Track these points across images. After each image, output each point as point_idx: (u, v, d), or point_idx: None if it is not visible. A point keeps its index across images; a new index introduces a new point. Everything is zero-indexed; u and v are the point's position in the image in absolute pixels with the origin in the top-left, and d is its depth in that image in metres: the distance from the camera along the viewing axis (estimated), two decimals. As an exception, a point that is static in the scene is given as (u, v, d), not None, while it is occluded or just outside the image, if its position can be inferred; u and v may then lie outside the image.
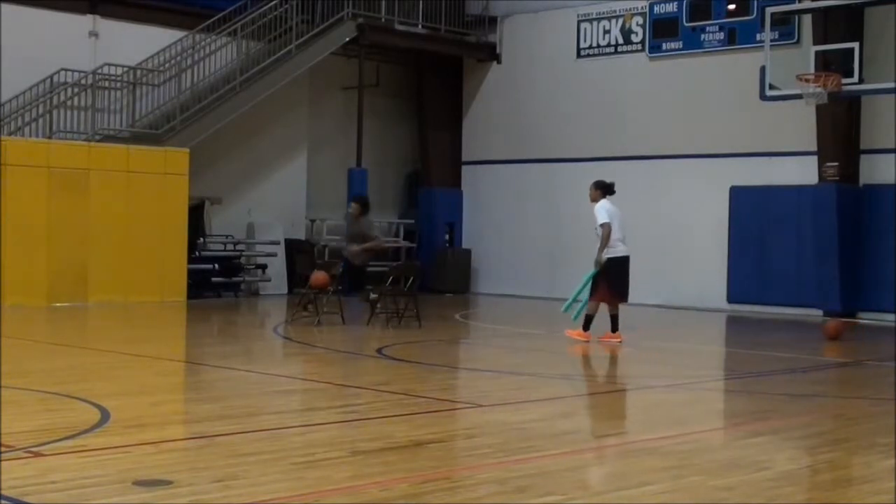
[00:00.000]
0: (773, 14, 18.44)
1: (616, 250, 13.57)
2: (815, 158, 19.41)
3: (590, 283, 13.68)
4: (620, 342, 13.68)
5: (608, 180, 13.94)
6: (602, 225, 13.44)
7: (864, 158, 19.35)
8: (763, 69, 18.29)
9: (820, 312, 19.05)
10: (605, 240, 13.45)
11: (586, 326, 13.71)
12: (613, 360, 12.98)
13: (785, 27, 19.54)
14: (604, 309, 13.85)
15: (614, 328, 13.80)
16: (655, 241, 21.41)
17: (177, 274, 19.52)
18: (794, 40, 19.67)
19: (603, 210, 13.54)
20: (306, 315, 15.87)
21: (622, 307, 14.06)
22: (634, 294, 20.60)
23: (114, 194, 18.76)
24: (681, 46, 21.51)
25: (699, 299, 20.78)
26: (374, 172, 23.16)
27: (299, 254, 20.83)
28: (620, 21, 22.45)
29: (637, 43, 22.20)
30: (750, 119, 20.23)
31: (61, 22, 19.97)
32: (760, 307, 20.10)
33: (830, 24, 18.77)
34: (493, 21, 24.23)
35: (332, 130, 23.98)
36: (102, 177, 18.65)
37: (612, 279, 13.63)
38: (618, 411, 9.27)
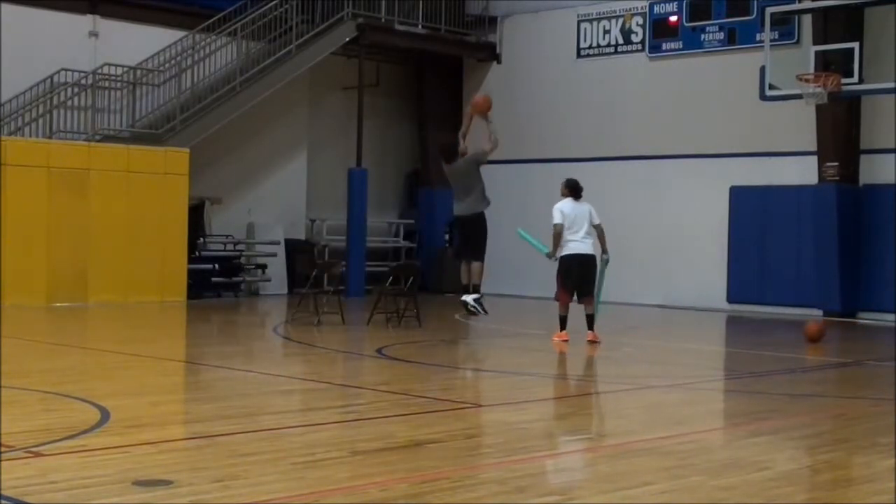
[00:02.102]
0: (773, 14, 18.43)
1: (566, 249, 13.58)
2: (815, 158, 19.41)
3: (602, 280, 13.71)
4: (593, 342, 13.57)
5: (580, 183, 13.95)
6: (554, 226, 13.60)
7: (864, 158, 19.35)
8: (763, 69, 18.28)
9: (820, 312, 19.05)
10: (556, 239, 13.54)
11: (562, 326, 13.71)
12: (613, 360, 12.97)
13: (785, 27, 19.54)
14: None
15: (589, 326, 13.76)
16: (655, 241, 21.43)
17: (177, 274, 19.52)
18: (794, 40, 19.67)
19: (557, 211, 13.62)
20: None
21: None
22: (635, 294, 20.90)
23: (114, 194, 18.77)
24: (681, 46, 21.52)
25: (699, 299, 20.78)
26: (374, 172, 23.15)
27: (299, 254, 20.83)
28: (620, 21, 22.46)
29: (637, 43, 22.21)
30: (750, 119, 20.23)
31: (61, 22, 19.97)
32: (760, 307, 20.10)
33: (830, 24, 18.77)
34: (493, 21, 24.23)
35: (332, 130, 23.98)
36: (102, 177, 18.65)
37: (562, 278, 13.68)
38: (618, 411, 9.26)
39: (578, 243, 13.57)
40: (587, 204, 13.69)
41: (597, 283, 13.74)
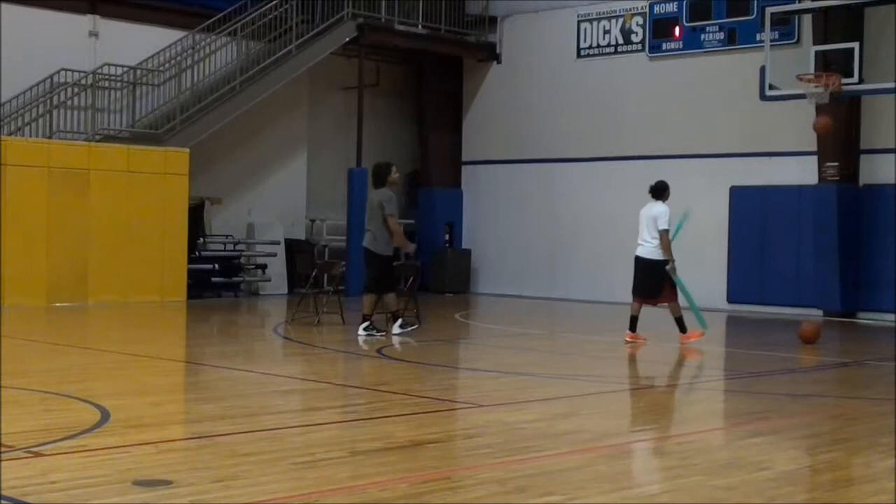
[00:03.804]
0: (773, 14, 18.43)
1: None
2: (815, 158, 19.41)
3: (682, 288, 13.92)
4: (631, 342, 13.75)
5: (660, 184, 13.96)
6: None
7: (864, 158, 19.35)
8: (763, 69, 18.29)
9: (820, 312, 19.05)
10: None
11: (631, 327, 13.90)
12: (614, 360, 12.97)
13: (785, 27, 19.54)
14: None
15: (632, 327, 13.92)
16: (655, 241, 21.41)
17: (177, 274, 19.52)
18: (794, 40, 19.67)
19: None
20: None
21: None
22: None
23: (114, 194, 18.77)
24: (681, 46, 21.52)
25: (699, 299, 20.67)
26: (375, 172, 23.12)
27: (299, 254, 20.83)
28: (620, 21, 22.47)
29: (637, 43, 22.21)
30: (750, 119, 20.23)
31: (61, 22, 19.97)
32: (760, 307, 20.09)
33: (830, 24, 18.77)
34: (493, 21, 24.24)
35: (332, 130, 23.98)
36: (102, 177, 18.65)
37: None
38: (618, 411, 9.26)
39: (638, 245, 13.76)
40: (659, 207, 13.66)
41: (679, 290, 13.87)
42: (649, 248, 13.65)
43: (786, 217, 19.95)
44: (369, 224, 14.07)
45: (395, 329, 14.01)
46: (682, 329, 13.92)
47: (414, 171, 25.52)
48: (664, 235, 13.56)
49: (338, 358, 12.92)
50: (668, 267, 13.64)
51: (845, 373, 12.43)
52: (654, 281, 13.72)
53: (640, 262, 13.81)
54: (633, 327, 13.90)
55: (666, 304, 13.94)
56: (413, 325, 14.40)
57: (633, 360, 13.05)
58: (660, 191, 13.83)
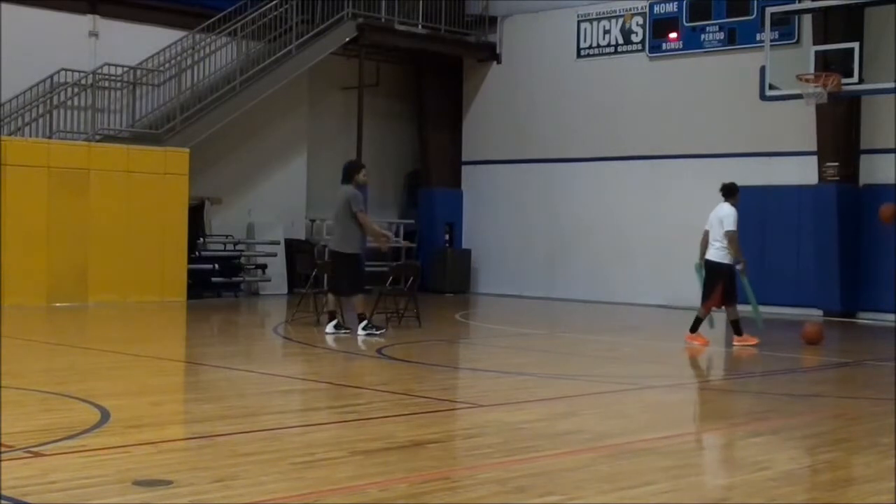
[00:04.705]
0: (773, 14, 18.43)
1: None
2: (815, 158, 19.42)
3: (747, 289, 13.99)
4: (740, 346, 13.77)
5: (730, 185, 14.07)
6: None
7: (864, 158, 19.36)
8: (763, 69, 18.29)
9: (820, 312, 19.05)
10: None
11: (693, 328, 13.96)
12: (614, 360, 12.98)
13: (785, 27, 19.54)
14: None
15: (737, 331, 13.94)
16: (655, 241, 21.42)
17: (177, 274, 19.52)
18: (794, 40, 19.67)
19: None
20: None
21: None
22: (635, 294, 20.92)
23: (114, 194, 18.76)
24: (681, 46, 21.52)
25: (699, 299, 20.71)
26: (374, 172, 23.10)
27: (299, 254, 20.83)
28: (620, 21, 22.47)
29: (637, 43, 22.21)
30: (750, 119, 20.23)
31: (61, 22, 19.97)
32: (760, 307, 20.03)
33: (830, 24, 18.78)
34: (493, 21, 24.24)
35: (332, 130, 23.98)
36: (102, 177, 18.65)
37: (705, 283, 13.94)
38: (618, 411, 9.26)
39: (714, 248, 13.76)
40: (726, 208, 13.75)
41: (744, 292, 13.90)
42: (713, 251, 13.67)
43: (786, 217, 19.95)
44: (336, 224, 14.15)
45: (361, 331, 13.80)
46: (693, 329, 13.89)
47: (414, 171, 25.53)
48: (732, 236, 13.59)
49: (338, 358, 12.92)
50: (738, 267, 13.67)
51: (845, 373, 12.44)
52: (713, 282, 13.71)
53: (708, 265, 13.80)
54: (738, 331, 13.89)
55: (713, 307, 13.91)
56: (346, 330, 14.17)
57: (632, 360, 13.05)
58: (730, 191, 13.85)
